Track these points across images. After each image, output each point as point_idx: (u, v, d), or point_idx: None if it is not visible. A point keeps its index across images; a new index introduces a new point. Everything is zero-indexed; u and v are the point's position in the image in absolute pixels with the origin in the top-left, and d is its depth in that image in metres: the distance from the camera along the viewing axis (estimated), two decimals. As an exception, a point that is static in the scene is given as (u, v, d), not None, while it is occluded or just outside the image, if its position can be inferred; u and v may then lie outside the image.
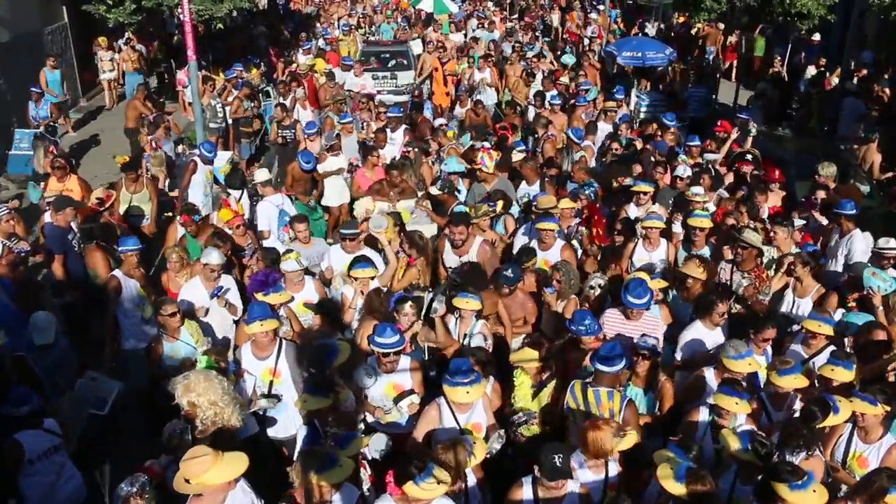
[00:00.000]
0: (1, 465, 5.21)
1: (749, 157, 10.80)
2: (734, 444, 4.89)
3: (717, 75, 20.04)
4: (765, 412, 5.73)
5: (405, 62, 18.23)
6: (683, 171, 9.99)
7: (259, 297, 6.68)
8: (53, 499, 5.42)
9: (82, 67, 19.53)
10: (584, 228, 8.80)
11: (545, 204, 8.61)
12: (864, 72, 17.63)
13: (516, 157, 10.61)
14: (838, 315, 6.90)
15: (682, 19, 23.23)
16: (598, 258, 8.54)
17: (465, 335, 6.69)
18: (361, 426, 5.90)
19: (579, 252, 8.59)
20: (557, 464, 4.56)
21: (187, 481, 4.26)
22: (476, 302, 6.63)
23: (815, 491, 4.29)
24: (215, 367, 5.83)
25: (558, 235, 8.20)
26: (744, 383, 5.64)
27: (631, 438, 4.99)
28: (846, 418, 5.29)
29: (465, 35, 20.57)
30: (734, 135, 11.86)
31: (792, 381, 5.58)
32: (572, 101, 14.09)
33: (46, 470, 5.36)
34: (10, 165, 13.33)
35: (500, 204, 8.96)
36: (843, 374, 5.58)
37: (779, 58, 18.92)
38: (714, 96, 18.52)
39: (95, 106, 19.32)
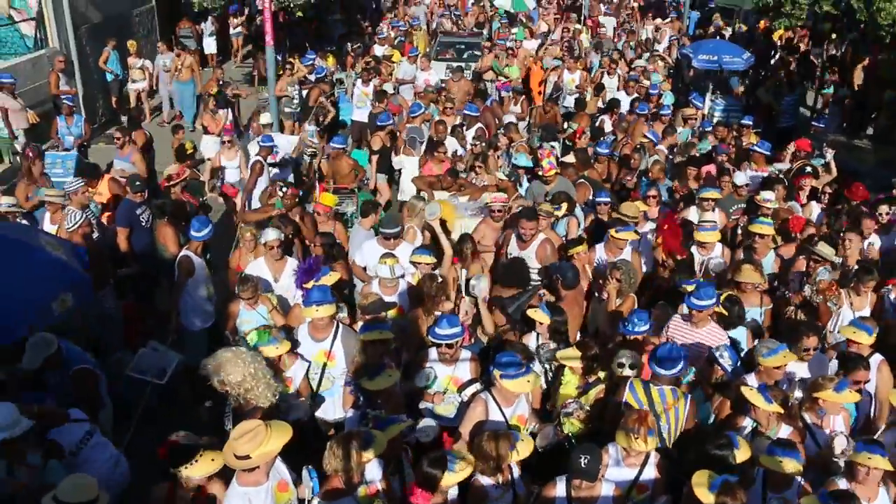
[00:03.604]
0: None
1: (808, 169, 10.54)
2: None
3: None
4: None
5: (478, 53, 18.66)
6: (740, 179, 9.81)
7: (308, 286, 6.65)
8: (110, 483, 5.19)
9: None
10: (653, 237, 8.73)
11: (627, 211, 8.52)
12: None
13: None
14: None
15: (763, 25, 22.49)
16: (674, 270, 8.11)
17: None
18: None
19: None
20: (582, 464, 4.60)
21: (245, 457, 4.32)
22: (546, 316, 6.45)
23: None
24: (268, 337, 5.85)
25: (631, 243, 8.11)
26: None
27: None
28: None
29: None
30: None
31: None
32: (655, 110, 13.67)
33: (93, 457, 5.30)
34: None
35: (563, 206, 8.85)
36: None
37: None
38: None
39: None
